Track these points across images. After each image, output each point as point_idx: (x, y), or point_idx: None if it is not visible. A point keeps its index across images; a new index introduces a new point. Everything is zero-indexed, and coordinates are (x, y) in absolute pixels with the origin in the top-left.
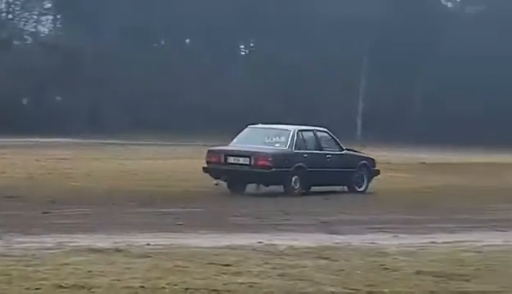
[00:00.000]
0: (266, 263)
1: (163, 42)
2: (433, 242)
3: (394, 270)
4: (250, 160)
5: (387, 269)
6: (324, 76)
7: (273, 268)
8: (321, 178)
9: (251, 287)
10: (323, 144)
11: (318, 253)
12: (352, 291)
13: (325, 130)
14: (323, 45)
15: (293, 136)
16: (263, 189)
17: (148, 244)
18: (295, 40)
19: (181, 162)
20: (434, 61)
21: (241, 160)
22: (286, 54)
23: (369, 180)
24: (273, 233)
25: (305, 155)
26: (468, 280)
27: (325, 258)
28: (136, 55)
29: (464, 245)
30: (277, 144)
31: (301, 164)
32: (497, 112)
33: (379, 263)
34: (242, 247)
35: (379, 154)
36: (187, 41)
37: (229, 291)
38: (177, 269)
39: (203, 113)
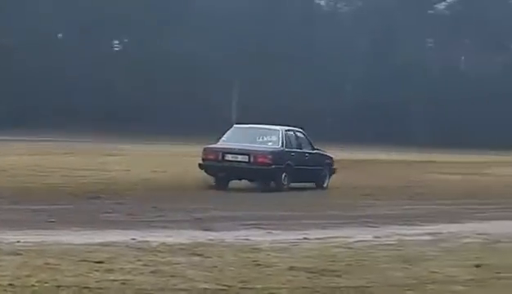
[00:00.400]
0: (138, 260)
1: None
2: (305, 238)
3: (267, 266)
4: (250, 157)
5: (260, 265)
6: (197, 73)
7: (146, 265)
8: (302, 175)
9: (123, 284)
10: (302, 144)
11: (191, 250)
12: (225, 288)
13: (301, 130)
14: (198, 42)
15: (283, 136)
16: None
17: (18, 241)
18: (167, 37)
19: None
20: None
21: (240, 157)
22: (158, 51)
23: (330, 177)
24: (146, 230)
25: (292, 154)
26: (339, 275)
27: (198, 255)
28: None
29: (336, 241)
30: (270, 143)
31: (289, 162)
32: (369, 108)
33: (253, 259)
34: (115, 244)
35: None
36: (59, 36)
37: (101, 288)
38: (48, 266)
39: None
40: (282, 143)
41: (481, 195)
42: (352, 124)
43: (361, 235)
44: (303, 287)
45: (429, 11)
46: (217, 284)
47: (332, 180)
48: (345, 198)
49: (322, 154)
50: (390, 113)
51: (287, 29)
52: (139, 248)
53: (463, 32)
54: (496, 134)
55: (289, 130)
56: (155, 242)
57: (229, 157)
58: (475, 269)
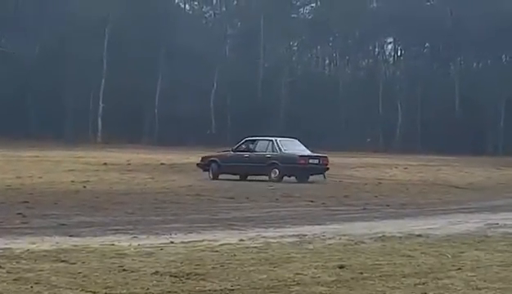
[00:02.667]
0: (1, 267)
1: None
2: (171, 242)
3: (132, 271)
4: (319, 160)
5: (125, 270)
6: (61, 76)
7: (8, 272)
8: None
9: None
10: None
11: (56, 256)
12: None
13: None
14: (61, 44)
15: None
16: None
17: None
18: (34, 38)
19: None
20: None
21: (314, 161)
22: (24, 52)
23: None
24: (10, 238)
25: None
26: (204, 279)
27: (62, 261)
28: None
29: (202, 244)
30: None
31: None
32: (225, 110)
33: (118, 264)
34: None
35: (120, 155)
36: None
37: None
38: None
39: None
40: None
41: (341, 197)
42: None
43: (227, 238)
44: (168, 292)
45: (293, 15)
46: (82, 290)
47: (197, 186)
48: (210, 201)
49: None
50: (253, 115)
51: (146, 32)
52: (1, 256)
53: (327, 35)
54: (361, 136)
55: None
56: (19, 249)
57: (311, 160)
58: (339, 269)
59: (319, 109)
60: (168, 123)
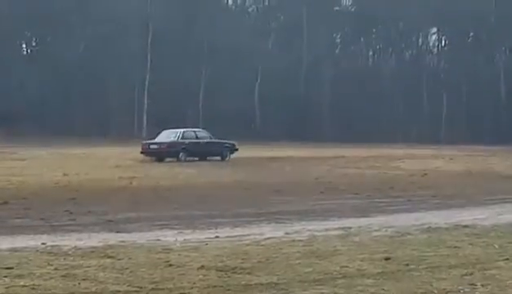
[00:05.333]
0: (49, 264)
1: None
2: (216, 237)
3: (178, 266)
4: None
5: (171, 265)
6: (106, 74)
7: (56, 269)
8: (197, 153)
9: (33, 289)
10: (199, 137)
11: (103, 252)
12: (136, 289)
13: (202, 130)
14: (105, 42)
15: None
16: None
17: None
18: (79, 37)
19: None
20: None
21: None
22: (69, 51)
23: (230, 154)
24: (58, 235)
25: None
26: (250, 273)
27: (109, 257)
28: None
29: (247, 238)
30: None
31: (183, 146)
32: (269, 104)
33: (164, 260)
34: (24, 250)
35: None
36: None
37: None
38: None
39: None
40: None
41: (387, 189)
42: (260, 122)
43: (272, 232)
44: (214, 286)
45: (336, 8)
46: (129, 286)
47: (242, 177)
48: (256, 195)
49: (219, 142)
50: (297, 109)
51: (189, 29)
52: (49, 253)
53: (370, 27)
54: (407, 128)
55: (187, 130)
56: (66, 246)
57: (152, 146)
58: (385, 261)
59: (363, 102)
60: (212, 118)
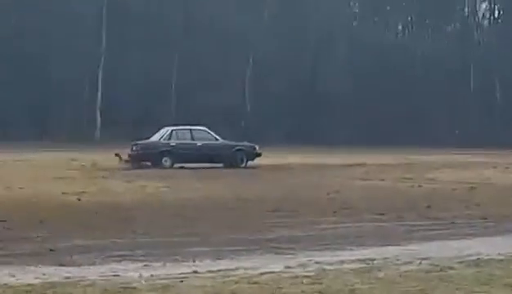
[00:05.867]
0: None
1: None
2: (194, 272)
3: None
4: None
5: None
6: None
7: None
8: (189, 158)
9: None
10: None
11: (42, 292)
12: None
13: (202, 128)
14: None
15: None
16: None
17: None
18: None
19: None
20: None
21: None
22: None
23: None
24: None
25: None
26: None
27: None
28: None
29: (236, 274)
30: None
31: (167, 149)
32: (264, 97)
33: None
34: None
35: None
36: None
37: None
38: None
39: None
40: (161, 137)
41: (422, 208)
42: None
43: (269, 265)
44: None
45: None
46: None
47: (228, 192)
48: (249, 214)
49: (227, 144)
50: (300, 103)
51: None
52: None
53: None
54: (447, 126)
55: (179, 129)
56: None
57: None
58: None
59: (388, 92)
60: (188, 117)
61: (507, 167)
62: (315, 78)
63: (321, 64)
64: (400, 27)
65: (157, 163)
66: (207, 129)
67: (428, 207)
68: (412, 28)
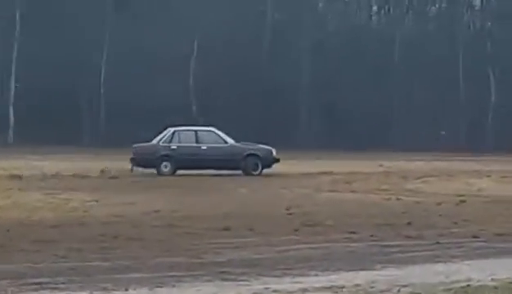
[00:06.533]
0: None
1: None
2: None
3: None
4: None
5: None
6: None
7: None
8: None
9: None
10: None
11: None
12: None
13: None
14: None
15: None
16: None
17: None
18: None
19: None
20: None
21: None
22: None
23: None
24: None
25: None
26: None
27: None
28: None
29: None
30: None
31: (167, 153)
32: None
33: None
34: None
35: (44, 164)
36: None
37: None
38: None
39: None
40: (159, 140)
41: (401, 225)
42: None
43: None
44: None
45: None
46: None
47: (168, 206)
48: (193, 233)
49: (238, 147)
50: (255, 98)
51: None
52: None
53: None
54: (432, 127)
55: (182, 130)
56: None
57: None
58: None
59: (361, 86)
60: (119, 114)
61: (504, 176)
62: (272, 69)
63: (279, 52)
64: (375, 8)
65: (157, 169)
66: (215, 130)
67: (409, 223)
68: (389, 9)
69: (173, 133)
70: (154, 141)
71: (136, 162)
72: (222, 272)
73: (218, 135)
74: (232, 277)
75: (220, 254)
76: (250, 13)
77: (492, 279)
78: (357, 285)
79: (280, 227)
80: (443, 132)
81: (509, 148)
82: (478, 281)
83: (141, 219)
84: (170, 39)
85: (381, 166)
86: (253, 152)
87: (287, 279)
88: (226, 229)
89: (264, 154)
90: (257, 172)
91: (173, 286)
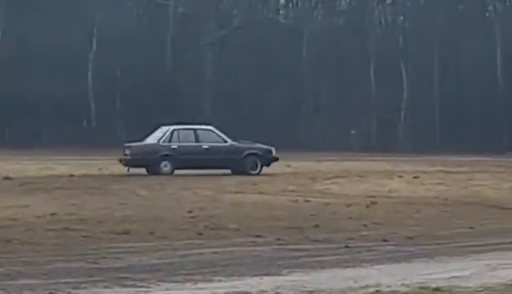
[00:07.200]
0: None
1: None
2: None
3: None
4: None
5: None
6: None
7: None
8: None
9: None
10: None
11: None
12: None
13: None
14: None
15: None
16: None
17: None
18: None
19: None
20: None
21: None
22: None
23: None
24: None
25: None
26: None
27: None
28: None
29: None
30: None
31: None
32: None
33: None
34: None
35: None
36: None
37: None
38: None
39: None
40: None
41: (309, 228)
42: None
43: None
44: None
45: None
46: None
47: (63, 209)
48: (91, 237)
49: (238, 147)
50: (160, 98)
51: None
52: None
53: None
54: (342, 125)
55: (181, 128)
56: None
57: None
58: None
59: (265, 81)
60: (13, 114)
61: (415, 177)
62: (176, 67)
63: (182, 48)
64: (282, 1)
65: (156, 169)
66: (213, 129)
67: (317, 226)
68: (297, 3)
69: (173, 132)
70: (152, 140)
71: (132, 162)
72: (121, 278)
73: (217, 134)
74: (132, 283)
75: (119, 259)
76: (153, 7)
77: (403, 284)
78: (263, 291)
79: (182, 231)
80: (354, 131)
81: (421, 147)
82: (388, 286)
83: (36, 222)
84: (67, 35)
85: (289, 166)
86: (253, 151)
87: (189, 285)
88: (126, 232)
89: (263, 153)
90: (256, 171)
91: (69, 293)
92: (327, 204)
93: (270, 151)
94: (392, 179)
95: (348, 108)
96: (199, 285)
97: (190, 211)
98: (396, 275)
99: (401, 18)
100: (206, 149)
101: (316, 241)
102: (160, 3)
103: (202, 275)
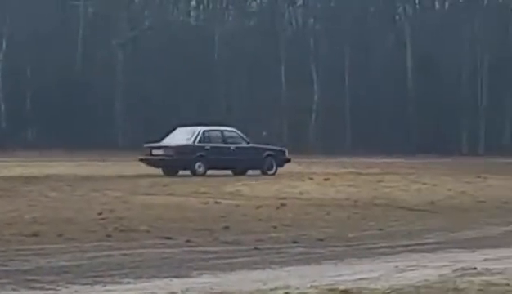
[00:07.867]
0: None
1: None
2: None
3: None
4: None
5: None
6: None
7: None
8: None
9: None
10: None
11: None
12: None
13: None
14: None
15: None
16: None
17: None
18: None
19: None
20: None
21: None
22: None
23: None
24: None
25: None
26: None
27: None
28: None
29: None
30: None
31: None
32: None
33: None
34: None
35: None
36: None
37: None
38: None
39: None
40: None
41: (218, 229)
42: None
43: None
44: None
45: None
46: None
47: None
48: None
49: (258, 147)
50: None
51: None
52: None
53: None
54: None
55: (210, 129)
56: None
57: (156, 152)
58: None
59: (180, 83)
60: None
61: (326, 179)
62: (85, 67)
63: (92, 49)
64: (193, 3)
65: (191, 169)
66: (237, 130)
67: (227, 228)
68: (208, 4)
69: (204, 133)
70: (183, 141)
71: (164, 162)
72: (28, 280)
73: (240, 136)
74: (40, 285)
75: (27, 261)
76: (63, 7)
77: (312, 286)
78: (172, 293)
79: (91, 233)
80: (265, 133)
81: (332, 148)
82: (297, 288)
83: None
84: None
85: None
86: (271, 152)
87: (98, 287)
88: (35, 234)
89: (278, 154)
90: (271, 172)
91: None
92: (237, 206)
93: (284, 152)
94: (303, 181)
95: (260, 109)
96: (108, 287)
97: (100, 213)
98: (305, 277)
99: (312, 20)
100: (233, 149)
101: (226, 243)
102: (71, 4)
103: (111, 277)
